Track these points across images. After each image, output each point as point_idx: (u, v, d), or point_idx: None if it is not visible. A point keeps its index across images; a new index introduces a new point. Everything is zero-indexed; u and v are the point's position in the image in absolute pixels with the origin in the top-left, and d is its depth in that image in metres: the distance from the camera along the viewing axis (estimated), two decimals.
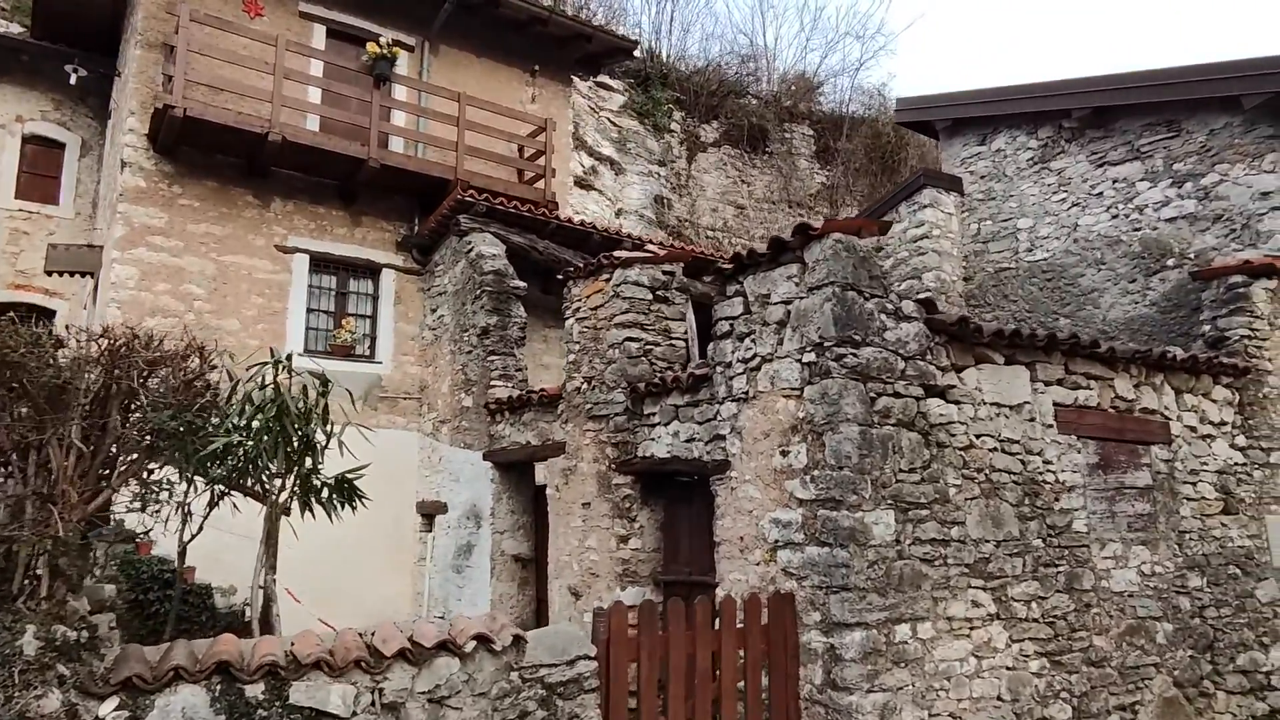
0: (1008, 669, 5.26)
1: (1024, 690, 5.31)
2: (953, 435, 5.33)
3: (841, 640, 4.67)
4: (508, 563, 8.29)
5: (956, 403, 5.41)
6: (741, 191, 20.58)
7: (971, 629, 5.14)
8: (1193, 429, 6.90)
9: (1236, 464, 7.18)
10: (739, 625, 4.75)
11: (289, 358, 5.44)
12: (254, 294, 9.64)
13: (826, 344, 4.91)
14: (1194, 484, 6.79)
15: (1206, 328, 7.91)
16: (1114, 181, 9.45)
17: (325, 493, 5.47)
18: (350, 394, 6.25)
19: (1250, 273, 7.83)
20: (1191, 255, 8.72)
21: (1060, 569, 5.72)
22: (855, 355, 4.91)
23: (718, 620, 4.71)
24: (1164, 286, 8.94)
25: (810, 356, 5.01)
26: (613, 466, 6.83)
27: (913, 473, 5.06)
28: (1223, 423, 7.17)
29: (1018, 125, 10.38)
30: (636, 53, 19.13)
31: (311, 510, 5.46)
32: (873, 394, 4.96)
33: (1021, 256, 10.26)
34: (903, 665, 4.79)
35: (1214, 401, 7.15)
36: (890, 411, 5.02)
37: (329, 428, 5.38)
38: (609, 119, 18.39)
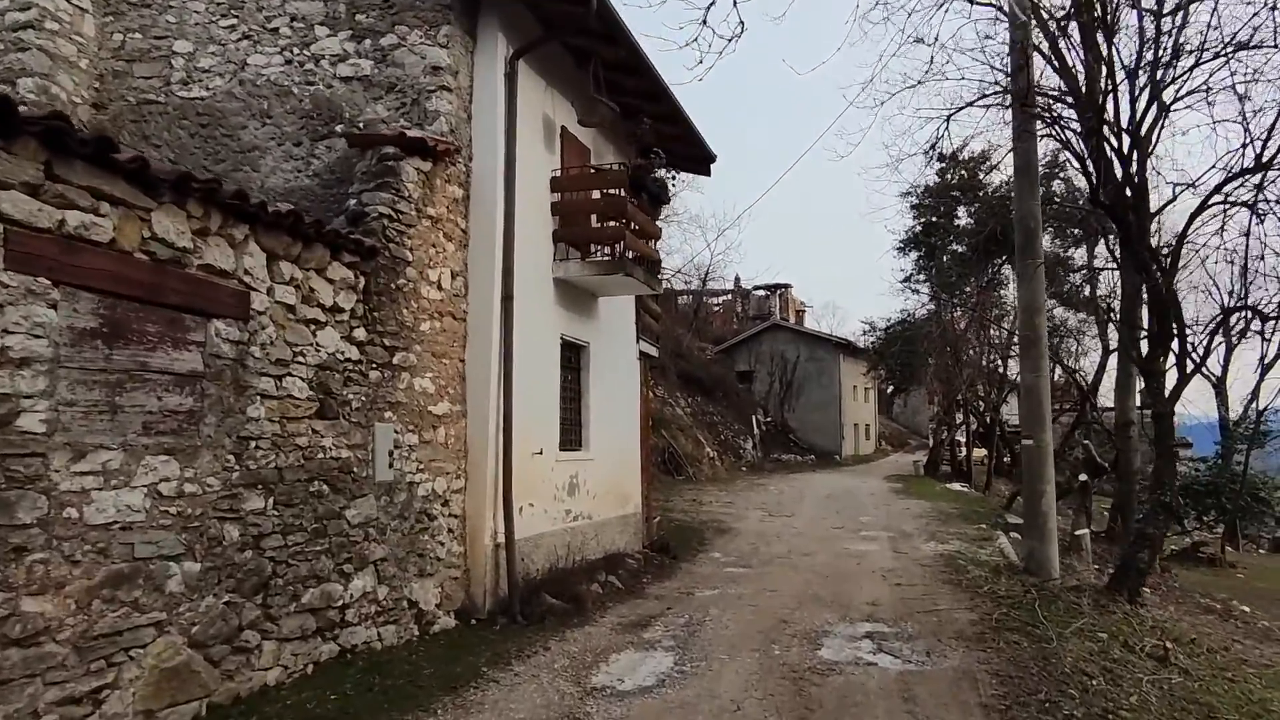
0: None
1: None
2: None
3: None
4: None
5: None
6: None
7: None
8: (290, 308, 5.33)
9: (349, 360, 5.92)
10: None
11: None
12: None
13: None
14: (279, 378, 5.21)
15: (352, 202, 6.57)
16: (293, 19, 7.62)
17: None
18: None
19: (404, 146, 6.75)
20: (361, 125, 7.40)
21: None
22: None
23: None
24: (330, 156, 7.46)
25: None
26: None
27: None
28: (338, 309, 5.82)
29: None
30: None
31: None
32: None
33: (174, 90, 7.75)
34: None
35: (330, 281, 5.74)
36: None
37: None
38: None
